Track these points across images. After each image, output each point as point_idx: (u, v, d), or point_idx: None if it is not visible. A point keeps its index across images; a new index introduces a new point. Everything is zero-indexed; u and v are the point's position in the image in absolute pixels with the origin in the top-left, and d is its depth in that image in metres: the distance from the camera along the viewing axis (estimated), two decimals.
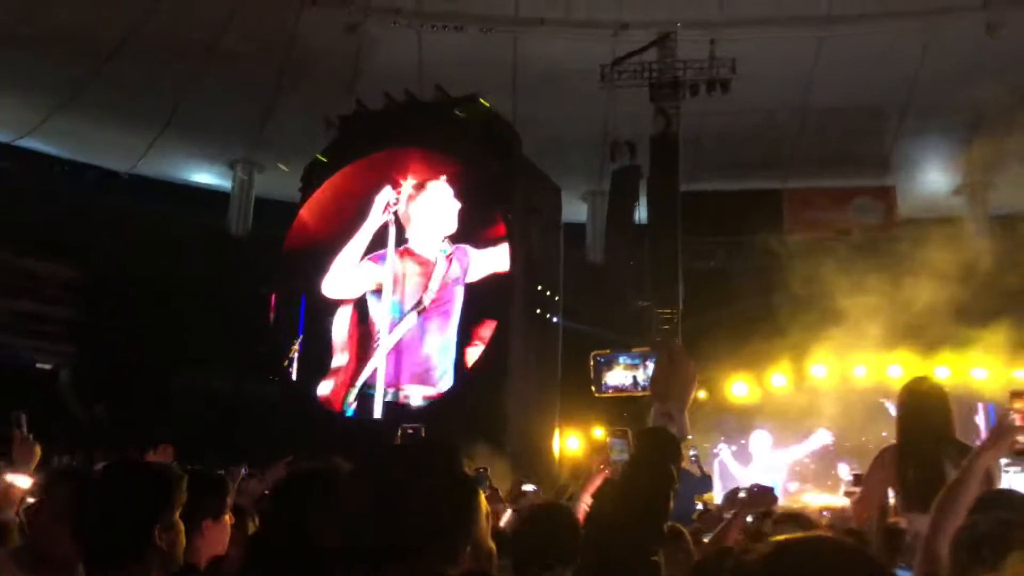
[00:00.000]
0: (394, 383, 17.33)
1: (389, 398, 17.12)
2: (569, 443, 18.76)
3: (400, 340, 17.51)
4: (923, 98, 17.92)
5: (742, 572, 1.00)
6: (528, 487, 8.77)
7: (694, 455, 13.28)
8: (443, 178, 17.78)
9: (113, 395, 20.50)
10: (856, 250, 18.51)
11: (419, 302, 17.62)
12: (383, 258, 18.07)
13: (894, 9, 16.62)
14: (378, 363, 17.48)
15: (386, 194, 18.11)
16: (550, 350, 19.50)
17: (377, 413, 17.11)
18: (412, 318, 17.60)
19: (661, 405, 1.91)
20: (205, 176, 23.84)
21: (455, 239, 17.62)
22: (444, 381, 17.05)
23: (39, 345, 22.06)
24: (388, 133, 17.98)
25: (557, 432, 18.86)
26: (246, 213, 23.04)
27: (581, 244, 21.20)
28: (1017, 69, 15.76)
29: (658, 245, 18.85)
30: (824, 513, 8.28)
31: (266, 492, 5.27)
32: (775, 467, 17.72)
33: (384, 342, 17.58)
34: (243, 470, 5.23)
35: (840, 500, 11.55)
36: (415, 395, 17.18)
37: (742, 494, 4.41)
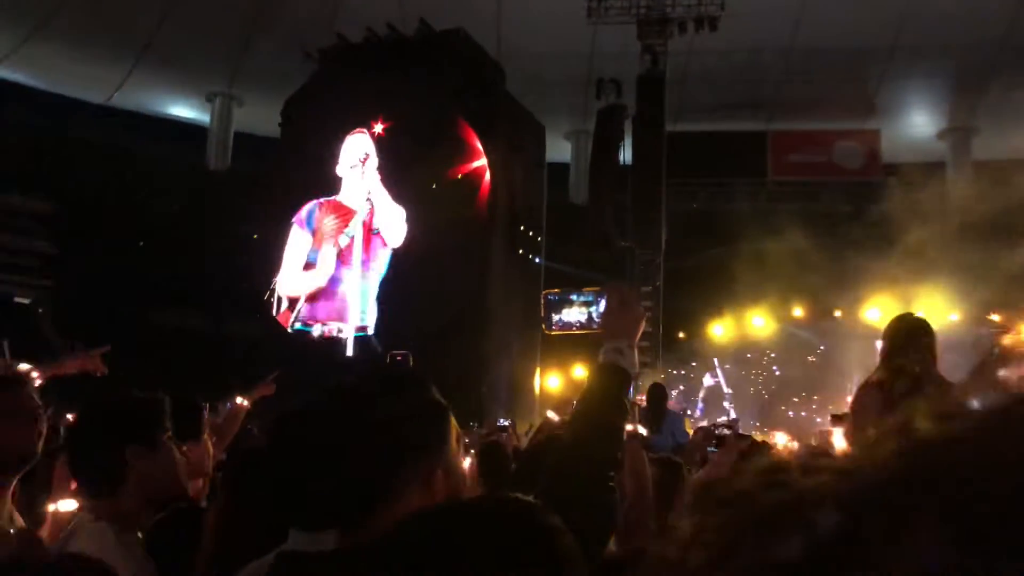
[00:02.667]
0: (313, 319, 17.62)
1: (317, 333, 17.40)
2: (550, 382, 18.90)
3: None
4: (909, 40, 17.72)
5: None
6: (504, 422, 9.08)
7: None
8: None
9: (91, 331, 20.32)
10: (838, 196, 18.52)
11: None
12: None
13: None
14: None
15: (360, 144, 17.94)
16: (532, 291, 19.48)
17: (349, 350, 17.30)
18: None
19: (612, 342, 2.01)
20: (183, 109, 23.36)
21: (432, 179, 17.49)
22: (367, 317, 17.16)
23: (16, 279, 21.77)
24: (370, 67, 17.61)
25: (538, 371, 18.98)
26: (225, 148, 22.64)
27: (565, 184, 21.02)
28: (998, 18, 15.61)
29: (642, 186, 18.75)
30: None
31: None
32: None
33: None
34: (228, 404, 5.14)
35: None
36: (345, 330, 17.42)
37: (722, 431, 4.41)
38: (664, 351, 18.82)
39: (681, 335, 19.27)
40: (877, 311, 16.44)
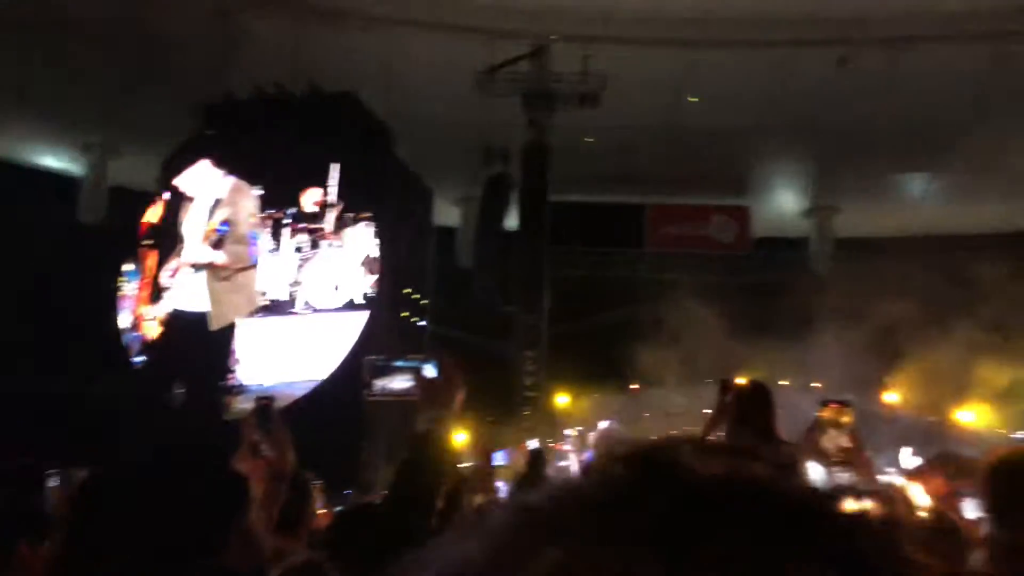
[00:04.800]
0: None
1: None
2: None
3: None
4: (774, 120, 18.82)
5: None
6: None
7: None
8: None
9: None
10: (711, 268, 19.29)
11: None
12: None
13: (757, 39, 17.40)
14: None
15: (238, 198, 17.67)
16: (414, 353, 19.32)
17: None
18: None
19: (428, 411, 2.10)
20: (56, 160, 22.38)
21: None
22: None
23: None
24: (255, 126, 17.40)
25: None
26: (99, 201, 21.75)
27: (453, 248, 21.14)
28: (863, 100, 16.82)
29: (526, 252, 19.06)
30: None
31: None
32: None
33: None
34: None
35: None
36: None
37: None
38: (545, 413, 18.89)
39: (563, 397, 19.43)
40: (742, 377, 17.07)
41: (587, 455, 18.73)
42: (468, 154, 19.59)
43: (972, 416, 18.42)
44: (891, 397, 18.89)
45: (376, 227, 17.22)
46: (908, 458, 17.57)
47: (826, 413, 2.67)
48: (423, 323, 19.69)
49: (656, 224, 20.27)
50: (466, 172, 19.96)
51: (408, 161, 18.43)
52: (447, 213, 21.22)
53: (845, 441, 2.52)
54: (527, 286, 19.03)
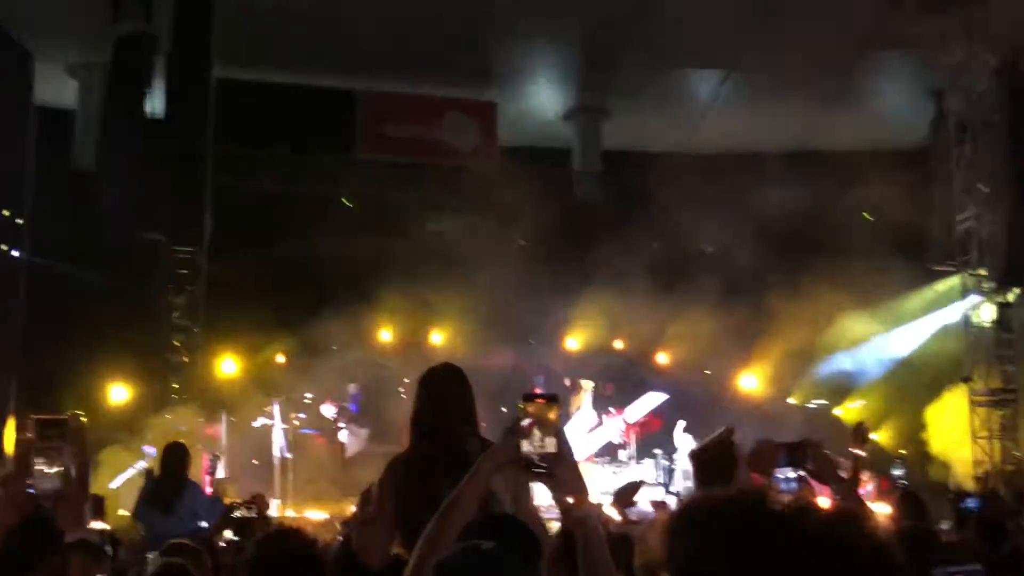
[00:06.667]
0: None
1: None
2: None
3: None
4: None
5: None
6: None
7: None
8: None
9: None
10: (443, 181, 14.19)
11: None
12: None
13: None
14: None
15: None
16: (8, 297, 13.10)
17: None
18: None
19: None
20: None
21: None
22: None
23: None
24: None
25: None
26: None
27: (66, 140, 14.48)
28: None
29: (176, 152, 13.03)
30: None
31: None
32: None
33: None
34: None
35: None
36: None
37: None
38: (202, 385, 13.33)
39: (230, 363, 13.81)
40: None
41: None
42: (89, 1, 13.04)
43: (755, 381, 14.91)
44: (663, 357, 14.98)
45: None
46: (680, 434, 13.81)
47: (531, 408, 1.97)
48: (16, 253, 13.26)
49: (371, 122, 14.71)
50: (86, 27, 13.41)
51: None
52: (57, 87, 14.46)
53: (551, 445, 1.97)
54: (178, 201, 13.09)
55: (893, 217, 13.05)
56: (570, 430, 15.60)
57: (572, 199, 14.47)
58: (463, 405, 3.34)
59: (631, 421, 14.90)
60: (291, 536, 2.83)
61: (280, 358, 13.94)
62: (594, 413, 15.26)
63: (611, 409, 15.26)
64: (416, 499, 3.01)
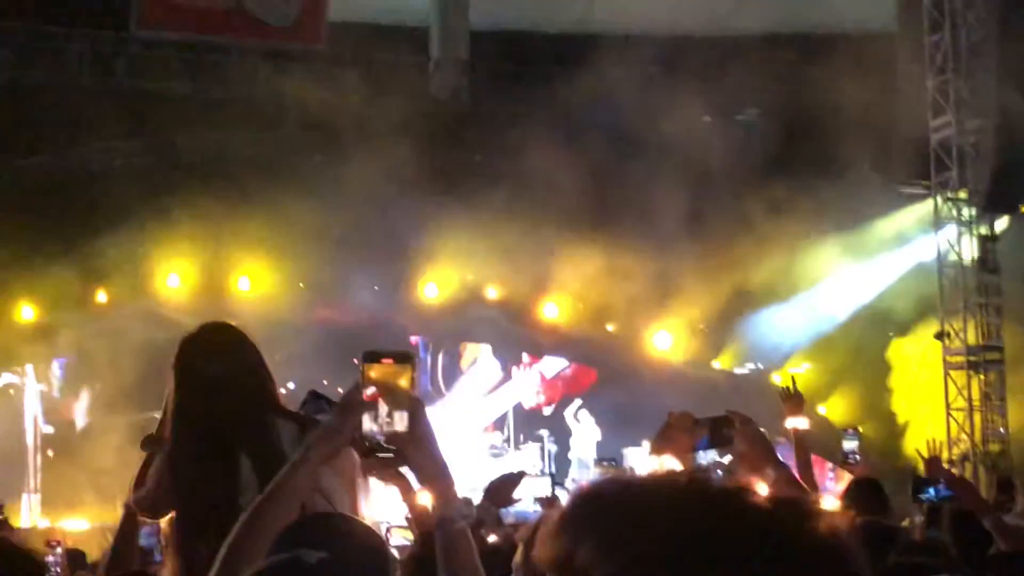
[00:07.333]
0: None
1: None
2: None
3: None
4: None
5: None
6: None
7: None
8: None
9: None
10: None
11: None
12: None
13: None
14: None
15: None
16: None
17: None
18: None
19: None
20: None
21: None
22: None
23: None
24: None
25: None
26: None
27: None
28: None
29: None
30: None
31: None
32: None
33: None
34: None
35: None
36: None
37: None
38: None
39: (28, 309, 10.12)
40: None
41: None
42: None
43: (668, 341, 11.59)
44: (551, 310, 11.53)
45: None
46: (574, 413, 10.91)
47: (374, 372, 1.50)
48: None
49: None
50: None
51: None
52: None
53: (401, 422, 1.48)
54: None
55: (847, 122, 9.87)
56: (463, 390, 12.33)
57: (427, 96, 10.85)
58: (253, 381, 2.45)
59: (550, 376, 11.88)
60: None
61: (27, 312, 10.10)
62: (497, 365, 11.94)
63: (523, 358, 11.99)
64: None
